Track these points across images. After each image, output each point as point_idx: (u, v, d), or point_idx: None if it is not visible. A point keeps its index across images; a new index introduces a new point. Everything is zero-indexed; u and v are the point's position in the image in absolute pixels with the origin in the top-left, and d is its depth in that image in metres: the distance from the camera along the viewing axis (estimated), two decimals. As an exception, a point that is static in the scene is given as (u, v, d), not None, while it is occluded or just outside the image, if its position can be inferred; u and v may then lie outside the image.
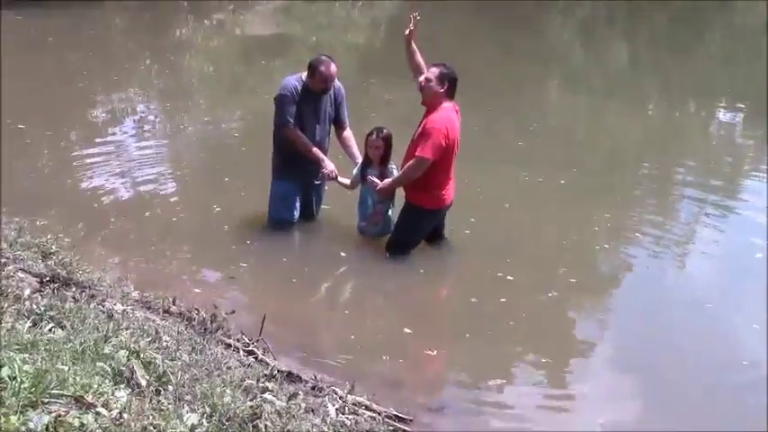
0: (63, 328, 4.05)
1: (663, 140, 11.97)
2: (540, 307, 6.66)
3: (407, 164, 6.97)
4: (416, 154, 6.83)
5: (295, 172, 7.46)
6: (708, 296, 6.96)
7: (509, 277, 6.97)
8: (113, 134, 10.65)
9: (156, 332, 4.48)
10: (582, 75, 16.62)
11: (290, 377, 4.70)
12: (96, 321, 4.31)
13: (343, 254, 7.31)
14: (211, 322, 5.17)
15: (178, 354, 4.23)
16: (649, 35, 21.93)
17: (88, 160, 9.43)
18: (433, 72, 6.91)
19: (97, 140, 10.25)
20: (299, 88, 7.24)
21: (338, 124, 7.61)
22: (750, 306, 6.80)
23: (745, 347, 6.18)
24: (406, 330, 6.14)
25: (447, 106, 6.93)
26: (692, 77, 16.69)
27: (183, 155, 10.20)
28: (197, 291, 6.37)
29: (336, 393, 4.62)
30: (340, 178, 7.45)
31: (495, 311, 6.46)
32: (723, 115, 13.78)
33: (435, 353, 5.87)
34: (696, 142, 12.41)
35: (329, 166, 7.38)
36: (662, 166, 10.53)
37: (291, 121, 7.22)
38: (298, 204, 7.61)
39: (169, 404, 3.54)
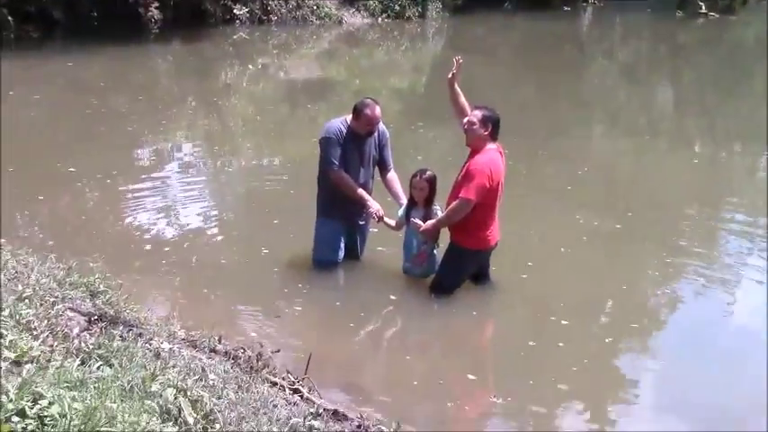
0: (111, 366, 4.08)
1: (710, 182, 11.85)
2: (599, 351, 6.60)
3: (450, 205, 6.97)
4: (460, 196, 6.84)
5: (340, 212, 7.51)
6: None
7: (563, 322, 6.90)
8: (161, 176, 10.79)
9: (203, 370, 4.49)
10: (626, 117, 16.53)
11: (336, 416, 4.68)
12: (144, 360, 4.33)
13: (389, 295, 7.30)
14: (257, 361, 5.18)
15: (224, 392, 4.23)
16: (694, 76, 21.83)
17: (136, 202, 9.59)
18: (476, 115, 6.93)
19: (145, 183, 10.38)
20: (344, 131, 7.29)
21: (382, 166, 7.64)
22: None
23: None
24: (457, 376, 6.12)
25: (491, 148, 6.94)
26: (738, 119, 16.55)
27: (230, 197, 10.30)
28: (243, 330, 6.41)
29: (382, 431, 4.60)
30: (386, 219, 7.46)
31: (554, 355, 6.42)
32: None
33: (497, 399, 5.81)
34: (743, 183, 12.25)
35: (374, 206, 7.40)
36: (710, 207, 10.41)
37: (336, 163, 7.26)
38: (342, 245, 7.65)
39: (216, 442, 3.54)
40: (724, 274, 8.24)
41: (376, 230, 7.98)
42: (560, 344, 6.55)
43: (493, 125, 6.91)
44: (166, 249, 8.27)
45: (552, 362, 6.33)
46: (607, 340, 6.77)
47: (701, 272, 8.22)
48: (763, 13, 32.84)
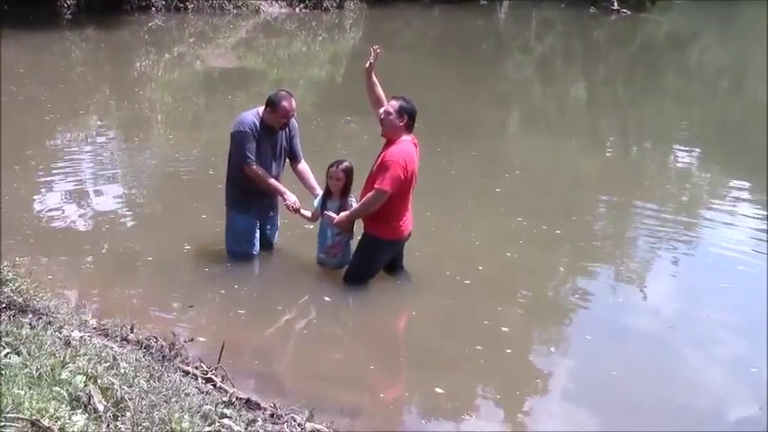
0: (19, 354, 4.04)
1: (623, 177, 12.12)
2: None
3: (366, 196, 7.01)
4: (375, 186, 6.87)
5: (253, 204, 7.51)
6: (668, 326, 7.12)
7: (485, 322, 6.92)
8: (75, 165, 10.61)
9: (114, 359, 4.47)
10: (545, 115, 16.77)
11: (249, 404, 4.70)
12: (53, 348, 4.30)
13: (303, 285, 7.33)
14: (170, 350, 5.17)
15: (136, 380, 4.22)
16: (609, 73, 22.27)
17: (49, 190, 9.47)
18: (392, 105, 6.98)
19: (59, 171, 10.22)
20: (258, 124, 7.26)
21: (293, 157, 7.65)
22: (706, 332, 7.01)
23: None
24: (371, 366, 6.19)
25: (406, 139, 7.00)
26: (650, 116, 16.95)
27: (145, 185, 10.18)
28: (156, 319, 6.37)
29: (295, 420, 4.63)
30: (302, 210, 7.48)
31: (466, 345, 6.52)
32: (679, 152, 13.99)
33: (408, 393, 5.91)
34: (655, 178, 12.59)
35: (291, 198, 7.42)
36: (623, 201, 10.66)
37: (252, 157, 7.23)
38: (257, 236, 7.64)
39: (126, 429, 3.54)
40: (644, 269, 8.52)
41: (286, 221, 8.00)
42: (476, 338, 6.62)
43: (409, 116, 6.97)
44: (79, 238, 8.18)
45: (465, 353, 6.38)
46: (503, 329, 6.89)
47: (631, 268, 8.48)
48: (674, 11, 33.71)
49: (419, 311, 7.23)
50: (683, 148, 14.05)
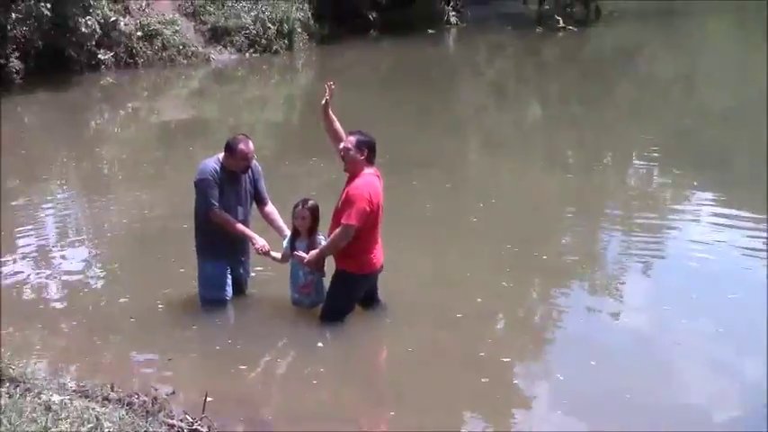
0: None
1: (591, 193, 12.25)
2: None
3: (334, 233, 7.02)
4: (342, 222, 6.90)
5: (223, 250, 7.51)
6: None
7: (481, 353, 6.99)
8: (39, 229, 10.53)
9: (97, 419, 4.45)
10: (502, 138, 16.84)
11: (238, 451, 4.68)
12: (34, 414, 4.26)
13: (280, 327, 7.33)
14: (153, 405, 5.13)
15: (121, 438, 4.19)
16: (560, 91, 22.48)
17: (17, 254, 9.37)
18: (350, 140, 7.03)
19: (25, 235, 10.13)
20: (219, 170, 7.30)
21: (259, 200, 7.69)
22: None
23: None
24: (360, 407, 6.22)
25: (368, 172, 7.04)
26: (608, 129, 17.11)
27: (112, 241, 10.09)
28: (136, 375, 6.32)
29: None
30: (272, 252, 7.48)
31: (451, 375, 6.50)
32: (638, 161, 14.15)
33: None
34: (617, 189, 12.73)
35: (260, 241, 7.45)
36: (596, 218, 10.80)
37: (216, 204, 7.26)
38: (230, 281, 7.63)
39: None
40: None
41: (261, 268, 7.98)
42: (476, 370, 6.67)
43: (368, 149, 7.02)
44: (50, 299, 8.13)
45: (450, 384, 6.45)
46: (504, 359, 6.92)
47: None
48: (617, 24, 34.22)
49: (407, 346, 7.18)
50: (643, 160, 14.20)
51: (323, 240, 7.26)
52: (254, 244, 7.45)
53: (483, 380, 6.50)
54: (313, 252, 7.19)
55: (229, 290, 7.63)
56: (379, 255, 7.24)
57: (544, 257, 9.21)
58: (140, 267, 9.10)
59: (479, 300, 7.97)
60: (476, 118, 19.23)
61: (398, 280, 7.90)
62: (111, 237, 10.33)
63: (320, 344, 7.08)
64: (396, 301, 7.64)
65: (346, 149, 7.03)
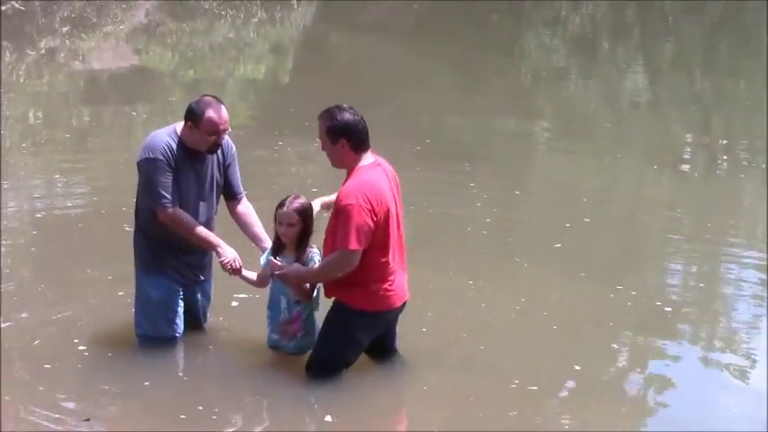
0: None
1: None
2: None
3: (327, 258, 6.91)
4: (337, 246, 6.74)
5: (171, 264, 7.44)
6: None
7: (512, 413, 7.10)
8: None
9: None
10: (586, 121, 16.88)
11: None
12: None
13: (250, 384, 7.27)
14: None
15: None
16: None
17: None
18: (319, 131, 6.97)
19: None
20: (175, 148, 7.19)
21: (230, 194, 7.63)
22: None
23: None
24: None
25: (365, 165, 6.88)
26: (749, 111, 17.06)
27: (12, 240, 10.17)
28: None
29: None
30: (245, 271, 7.40)
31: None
32: None
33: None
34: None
35: (229, 254, 7.30)
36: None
37: (168, 197, 7.12)
38: (181, 311, 7.58)
39: None
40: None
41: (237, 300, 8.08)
42: None
43: (346, 135, 6.84)
44: None
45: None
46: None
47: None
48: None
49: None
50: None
51: (317, 256, 7.16)
52: (220, 256, 7.30)
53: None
54: (295, 266, 7.04)
55: (180, 323, 7.58)
56: (401, 284, 7.06)
57: (667, 310, 9.26)
58: (45, 276, 9.15)
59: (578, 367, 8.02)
60: (550, 88, 19.25)
61: (435, 326, 8.00)
62: (7, 236, 10.39)
63: (304, 412, 7.10)
64: (427, 358, 7.71)
65: (322, 146, 6.96)
